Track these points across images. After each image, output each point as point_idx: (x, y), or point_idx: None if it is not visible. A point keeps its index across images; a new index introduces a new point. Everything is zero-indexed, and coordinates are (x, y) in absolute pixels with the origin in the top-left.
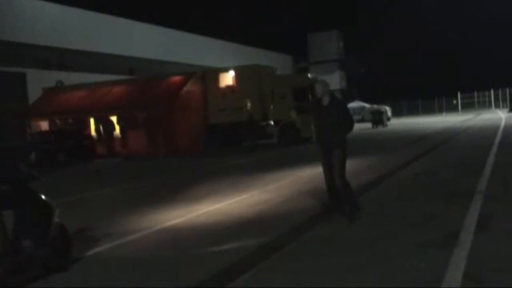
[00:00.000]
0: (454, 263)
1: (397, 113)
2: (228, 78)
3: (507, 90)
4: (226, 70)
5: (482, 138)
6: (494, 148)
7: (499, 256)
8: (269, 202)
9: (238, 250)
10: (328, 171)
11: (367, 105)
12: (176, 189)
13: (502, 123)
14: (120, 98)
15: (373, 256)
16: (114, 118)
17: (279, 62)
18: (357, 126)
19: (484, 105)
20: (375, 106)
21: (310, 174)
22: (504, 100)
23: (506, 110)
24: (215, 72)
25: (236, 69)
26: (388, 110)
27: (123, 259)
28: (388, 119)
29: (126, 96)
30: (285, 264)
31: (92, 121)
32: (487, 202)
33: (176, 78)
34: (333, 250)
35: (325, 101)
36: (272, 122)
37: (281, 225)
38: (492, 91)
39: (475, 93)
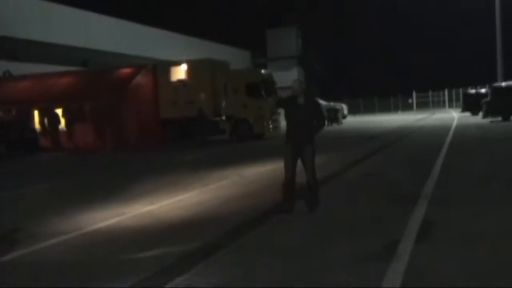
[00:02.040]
0: (389, 280)
1: (353, 110)
2: (180, 72)
3: (461, 91)
4: (178, 63)
5: (433, 138)
6: (444, 149)
7: (438, 271)
8: (205, 204)
9: (159, 258)
10: (292, 167)
11: (323, 102)
12: (113, 187)
13: (454, 123)
14: (68, 89)
15: (304, 268)
16: (59, 110)
17: (236, 57)
18: None
19: (439, 104)
20: (331, 104)
21: (256, 173)
22: (457, 100)
23: (459, 110)
24: (167, 65)
25: (189, 63)
26: (344, 107)
27: (34, 265)
28: (344, 116)
29: (74, 88)
30: (207, 274)
31: (36, 113)
32: (431, 207)
33: (126, 70)
34: (264, 258)
35: (301, 99)
36: (224, 117)
37: (211, 230)
38: (446, 91)
39: (430, 93)
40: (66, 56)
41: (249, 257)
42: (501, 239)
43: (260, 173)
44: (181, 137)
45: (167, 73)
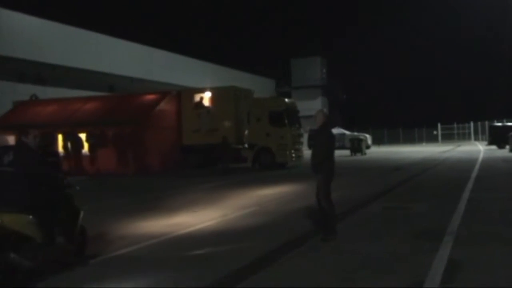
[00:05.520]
0: None
1: (377, 141)
2: (204, 99)
3: (486, 123)
4: (202, 90)
5: (459, 171)
6: (470, 183)
7: None
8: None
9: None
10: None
11: (347, 132)
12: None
13: (480, 156)
14: (92, 114)
15: None
16: (83, 135)
17: (261, 86)
18: (336, 153)
19: (464, 137)
20: (355, 134)
21: (275, 202)
22: (483, 133)
23: (485, 143)
24: (191, 92)
25: (213, 90)
26: (368, 138)
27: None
28: (368, 147)
29: (98, 113)
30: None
31: (60, 137)
32: (457, 246)
33: (151, 96)
34: None
35: (319, 128)
36: (247, 145)
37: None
38: (472, 124)
39: (455, 125)
40: (93, 81)
41: None
42: None
43: (277, 201)
44: (203, 164)
45: (191, 100)
